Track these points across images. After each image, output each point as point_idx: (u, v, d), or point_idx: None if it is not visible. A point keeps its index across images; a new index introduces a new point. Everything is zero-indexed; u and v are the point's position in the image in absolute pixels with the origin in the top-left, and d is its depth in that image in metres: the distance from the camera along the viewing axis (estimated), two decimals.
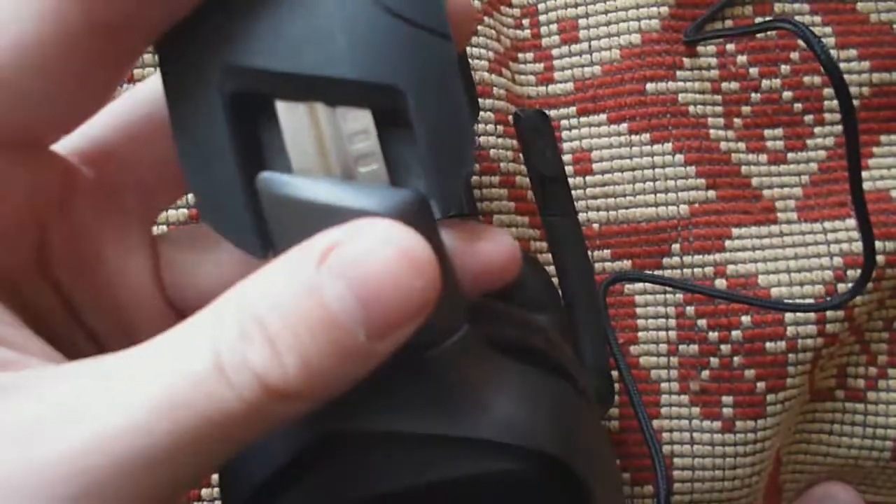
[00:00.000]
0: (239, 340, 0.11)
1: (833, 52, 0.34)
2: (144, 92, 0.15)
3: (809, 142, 0.34)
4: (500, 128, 0.33)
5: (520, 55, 0.35)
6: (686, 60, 0.34)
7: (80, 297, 0.15)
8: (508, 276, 0.14)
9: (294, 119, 0.13)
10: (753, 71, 0.34)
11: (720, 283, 0.32)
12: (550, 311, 0.27)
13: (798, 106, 0.34)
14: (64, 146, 0.15)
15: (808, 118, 0.34)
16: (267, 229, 0.13)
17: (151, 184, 0.16)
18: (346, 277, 0.11)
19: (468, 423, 0.13)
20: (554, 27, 0.35)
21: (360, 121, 0.13)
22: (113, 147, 0.15)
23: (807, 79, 0.34)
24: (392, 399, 0.13)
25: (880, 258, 0.32)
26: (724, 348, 0.32)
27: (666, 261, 0.33)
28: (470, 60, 0.32)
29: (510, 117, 0.33)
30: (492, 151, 0.33)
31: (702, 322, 0.32)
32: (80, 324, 0.15)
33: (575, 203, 0.30)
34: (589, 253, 0.33)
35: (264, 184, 0.13)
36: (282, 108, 0.13)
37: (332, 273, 0.11)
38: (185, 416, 0.11)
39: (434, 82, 0.12)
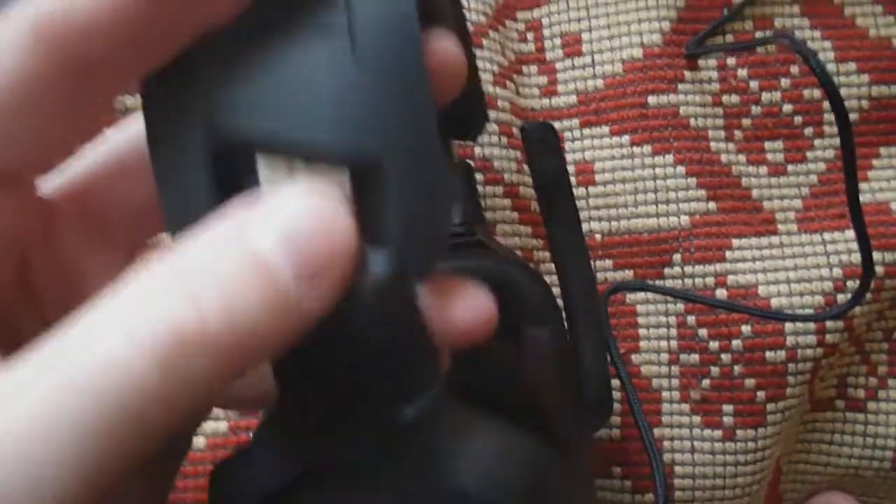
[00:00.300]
0: (158, 301, 0.11)
1: (832, 66, 0.34)
2: (124, 131, 0.16)
3: (809, 154, 0.34)
4: (504, 139, 0.33)
5: (524, 68, 0.36)
6: (687, 74, 0.34)
7: None
8: (480, 338, 0.14)
9: (274, 173, 0.13)
10: (754, 84, 0.34)
11: (721, 294, 0.33)
12: (550, 323, 0.27)
13: (798, 119, 0.34)
14: (44, 183, 0.15)
15: (808, 131, 0.34)
16: None
17: (135, 217, 0.16)
18: (271, 218, 0.11)
19: (435, 486, 0.13)
20: (557, 41, 0.35)
21: (338, 179, 0.13)
22: (93, 183, 0.16)
23: (806, 92, 0.34)
24: (362, 455, 0.13)
25: (879, 269, 0.32)
26: (725, 357, 0.32)
27: (667, 271, 0.33)
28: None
29: (514, 129, 0.33)
30: (496, 162, 0.33)
31: (702, 331, 0.33)
32: None
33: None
34: (591, 263, 0.33)
35: None
36: (262, 162, 0.13)
37: (259, 217, 0.11)
38: (109, 404, 0.10)
39: (412, 148, 0.13)
